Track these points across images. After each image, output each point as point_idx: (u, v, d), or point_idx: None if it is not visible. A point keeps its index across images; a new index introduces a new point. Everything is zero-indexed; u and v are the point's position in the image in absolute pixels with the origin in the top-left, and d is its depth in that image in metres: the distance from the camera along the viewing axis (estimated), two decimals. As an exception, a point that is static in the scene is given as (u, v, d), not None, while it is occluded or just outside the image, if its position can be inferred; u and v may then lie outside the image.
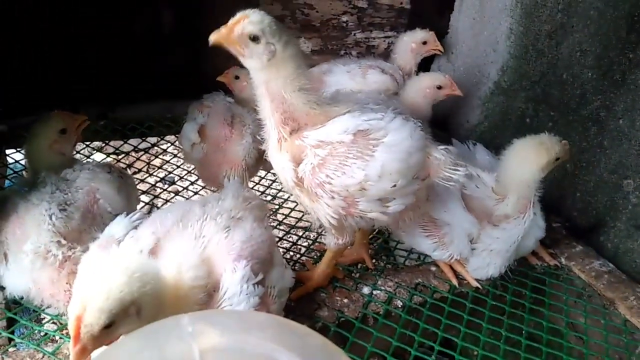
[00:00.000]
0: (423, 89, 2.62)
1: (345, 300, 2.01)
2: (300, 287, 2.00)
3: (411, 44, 2.98)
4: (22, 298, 1.82)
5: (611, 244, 2.34)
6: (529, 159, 2.04)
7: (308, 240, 2.54)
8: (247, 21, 1.55)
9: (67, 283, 1.76)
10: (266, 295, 1.55)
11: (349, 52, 3.45)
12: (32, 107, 2.11)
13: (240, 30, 1.56)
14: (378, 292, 2.07)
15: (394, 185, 1.69)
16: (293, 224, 2.72)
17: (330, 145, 1.66)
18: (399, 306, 2.03)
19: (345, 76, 2.86)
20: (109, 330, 1.20)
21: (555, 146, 2.05)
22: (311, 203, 1.76)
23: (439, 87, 2.62)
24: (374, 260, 2.28)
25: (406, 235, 2.17)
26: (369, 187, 1.67)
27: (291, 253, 2.45)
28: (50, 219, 1.76)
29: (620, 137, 2.27)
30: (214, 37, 1.57)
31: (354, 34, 3.44)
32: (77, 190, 1.88)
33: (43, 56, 2.79)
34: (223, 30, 1.57)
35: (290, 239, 2.58)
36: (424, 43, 2.99)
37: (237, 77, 2.51)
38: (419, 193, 1.84)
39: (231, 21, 1.57)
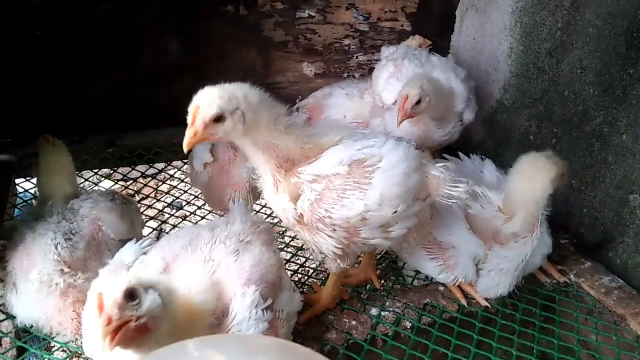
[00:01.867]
0: None
1: (354, 322, 2.01)
2: (308, 310, 2.00)
3: None
4: (31, 326, 1.84)
5: (620, 260, 2.33)
6: (538, 174, 2.03)
7: (315, 262, 2.53)
8: (201, 110, 1.50)
9: (73, 311, 1.78)
10: (275, 320, 1.55)
11: (352, 75, 3.50)
12: (39, 136, 2.15)
13: (201, 123, 1.50)
14: (386, 313, 2.06)
15: (395, 211, 1.68)
16: (300, 245, 2.72)
17: (326, 178, 1.65)
18: (408, 327, 2.02)
19: (344, 98, 2.92)
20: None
21: (560, 161, 2.05)
22: (312, 237, 1.75)
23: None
24: (382, 281, 2.27)
25: (411, 257, 2.17)
26: (369, 217, 1.66)
27: (299, 275, 2.45)
28: (56, 248, 1.79)
29: (625, 152, 2.27)
30: (185, 146, 1.54)
31: (357, 57, 3.49)
32: (82, 219, 1.92)
33: (50, 86, 2.85)
34: (188, 134, 1.51)
35: (298, 261, 2.58)
36: (419, 47, 3.08)
37: None
38: (421, 213, 1.83)
39: (189, 119, 1.52)
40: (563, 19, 2.53)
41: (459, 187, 1.79)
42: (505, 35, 2.89)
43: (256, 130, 1.59)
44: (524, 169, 2.07)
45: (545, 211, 2.08)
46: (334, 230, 1.69)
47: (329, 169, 1.66)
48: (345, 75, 3.50)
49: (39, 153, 2.07)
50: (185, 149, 1.54)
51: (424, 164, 1.81)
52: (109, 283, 1.18)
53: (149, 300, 1.19)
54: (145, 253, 1.62)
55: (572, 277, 2.32)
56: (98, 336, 1.12)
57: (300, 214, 1.68)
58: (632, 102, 2.22)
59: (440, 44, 3.35)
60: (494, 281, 2.06)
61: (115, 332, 1.12)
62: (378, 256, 2.55)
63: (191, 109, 1.51)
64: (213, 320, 1.41)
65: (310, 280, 2.38)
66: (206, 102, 1.50)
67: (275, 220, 2.89)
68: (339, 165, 1.66)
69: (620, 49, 2.26)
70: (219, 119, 1.51)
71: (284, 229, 2.84)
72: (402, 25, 3.48)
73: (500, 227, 2.07)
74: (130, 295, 1.17)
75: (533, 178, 2.03)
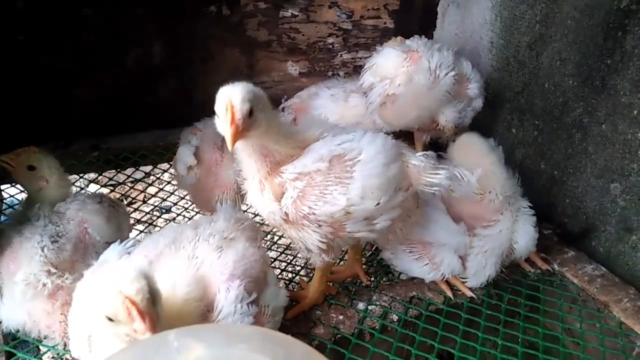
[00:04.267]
0: None
1: (341, 317, 2.02)
2: (296, 306, 2.02)
3: None
4: (18, 331, 1.84)
5: (603, 248, 2.36)
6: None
7: (303, 260, 2.55)
8: (236, 106, 1.50)
9: (61, 314, 1.78)
10: (260, 315, 1.56)
11: (337, 73, 3.51)
12: (24, 142, 2.15)
13: (240, 117, 1.51)
14: (373, 307, 2.08)
15: (378, 204, 1.70)
16: (288, 244, 2.73)
17: (308, 175, 1.67)
18: (395, 320, 2.04)
19: (329, 100, 2.94)
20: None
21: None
22: (298, 233, 1.77)
23: None
24: (371, 278, 2.30)
25: (397, 260, 2.19)
26: (353, 211, 1.68)
27: (287, 273, 2.47)
28: (42, 250, 1.79)
29: (604, 141, 2.30)
30: (231, 144, 1.52)
31: (341, 55, 3.51)
32: (69, 222, 1.92)
33: (34, 90, 2.84)
34: (231, 130, 1.50)
35: (286, 259, 2.59)
36: None
37: None
38: (405, 204, 1.85)
39: (226, 117, 1.51)
40: (542, 12, 2.56)
41: (439, 173, 1.81)
42: (486, 30, 2.93)
43: (266, 131, 1.62)
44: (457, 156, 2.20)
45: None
46: (320, 226, 1.71)
47: (310, 166, 1.68)
48: (330, 73, 3.52)
49: (35, 165, 2.04)
50: (231, 146, 1.53)
51: (404, 153, 1.83)
52: None
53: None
54: (129, 254, 1.63)
55: (555, 266, 2.35)
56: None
57: (286, 212, 1.70)
58: (610, 92, 2.25)
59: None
60: (482, 264, 2.09)
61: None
62: (368, 253, 2.58)
63: (223, 107, 1.52)
64: (197, 316, 1.42)
65: (297, 277, 2.40)
66: (238, 98, 1.52)
67: (263, 219, 2.90)
68: (319, 162, 1.68)
69: (597, 40, 2.29)
70: (251, 112, 1.54)
71: (272, 228, 2.85)
72: (385, 23, 3.51)
73: (480, 207, 2.12)
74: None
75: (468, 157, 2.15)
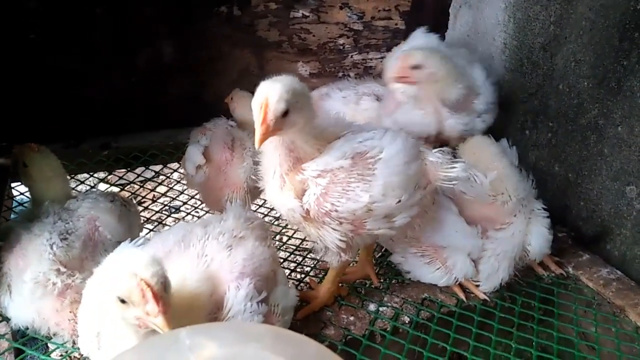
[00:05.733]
0: None
1: (352, 318, 2.00)
2: (306, 306, 2.00)
3: None
4: (27, 328, 1.83)
5: (618, 252, 2.32)
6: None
7: (313, 261, 2.53)
8: (271, 105, 1.50)
9: (70, 312, 1.77)
10: (270, 314, 1.55)
11: (347, 74, 3.50)
12: (35, 141, 2.15)
13: (273, 118, 1.51)
14: (384, 308, 2.06)
15: (399, 201, 1.71)
16: (297, 244, 2.71)
17: (331, 172, 1.67)
18: (406, 322, 2.01)
19: (340, 101, 2.92)
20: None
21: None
22: (317, 231, 1.76)
23: None
24: (380, 279, 2.27)
25: (408, 265, 2.16)
26: (375, 208, 1.68)
27: (296, 274, 2.45)
28: (51, 248, 1.78)
29: (620, 144, 2.27)
30: (259, 143, 1.54)
31: (351, 56, 3.49)
32: (79, 219, 1.91)
33: (46, 89, 2.85)
34: (261, 130, 1.51)
35: (295, 260, 2.57)
36: None
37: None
38: (424, 201, 1.85)
39: (259, 115, 1.51)
40: (556, 13, 2.53)
41: (455, 167, 1.82)
42: (498, 30, 2.90)
43: (302, 127, 1.62)
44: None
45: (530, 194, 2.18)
46: (340, 223, 1.70)
47: (332, 163, 1.68)
48: (340, 74, 3.50)
49: (27, 162, 2.06)
50: (258, 145, 1.55)
51: (422, 151, 1.84)
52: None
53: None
54: None
55: (570, 269, 2.31)
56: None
57: (307, 210, 1.69)
58: (626, 94, 2.22)
59: (434, 42, 3.35)
60: (494, 267, 2.07)
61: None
62: (377, 254, 2.55)
63: (259, 105, 1.52)
64: (208, 313, 1.40)
65: (307, 278, 2.38)
66: (275, 97, 1.51)
67: (273, 220, 2.89)
68: (342, 159, 1.68)
69: (613, 41, 2.26)
70: (285, 113, 1.53)
71: (281, 228, 2.84)
72: (396, 24, 3.49)
73: (493, 209, 2.09)
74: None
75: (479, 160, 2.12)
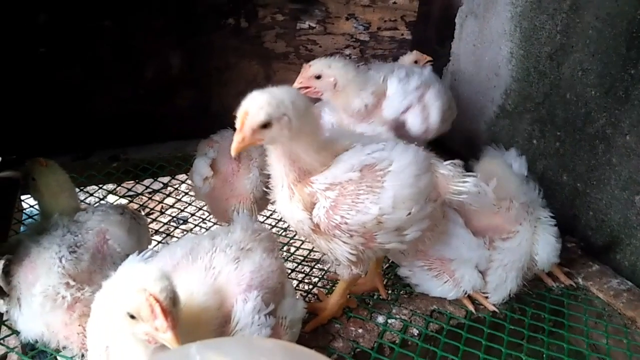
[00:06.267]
0: None
1: (360, 330, 1.99)
2: (314, 319, 1.99)
3: None
4: (36, 342, 1.83)
5: (628, 262, 2.30)
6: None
7: (321, 271, 2.52)
8: (249, 116, 1.50)
9: (79, 325, 1.78)
10: (278, 326, 1.54)
11: (354, 84, 3.50)
12: (44, 153, 2.17)
13: (249, 129, 1.51)
14: (393, 320, 2.05)
15: (409, 213, 1.69)
16: (305, 255, 2.71)
17: (339, 185, 1.66)
18: (415, 334, 2.00)
19: None
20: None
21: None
22: (328, 244, 1.75)
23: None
24: (388, 290, 2.26)
25: (415, 279, 2.16)
26: (385, 220, 1.67)
27: (304, 285, 2.44)
28: (60, 261, 1.78)
29: (629, 153, 2.26)
30: (234, 151, 1.54)
31: (358, 67, 3.50)
32: (88, 232, 1.91)
33: (54, 102, 2.88)
34: (236, 139, 1.53)
35: (303, 271, 2.57)
36: (415, 62, 3.12)
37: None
38: (434, 214, 1.84)
39: (238, 124, 1.52)
40: (562, 22, 2.53)
41: (467, 181, 1.81)
42: (505, 40, 2.90)
43: (297, 140, 1.60)
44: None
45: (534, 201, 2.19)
46: (351, 236, 1.69)
47: (341, 176, 1.67)
48: (347, 85, 3.51)
49: (35, 177, 2.08)
50: (233, 153, 1.55)
51: (433, 163, 1.83)
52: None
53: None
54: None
55: (580, 280, 2.29)
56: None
57: (317, 223, 1.68)
58: (634, 103, 2.21)
59: (440, 52, 3.36)
60: (502, 278, 2.05)
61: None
62: (385, 265, 2.54)
63: (240, 114, 1.53)
64: (216, 326, 1.40)
65: (315, 289, 2.37)
66: (255, 108, 1.51)
67: (280, 230, 2.89)
68: (350, 172, 1.67)
69: (620, 49, 2.26)
70: (266, 125, 1.52)
71: (289, 239, 2.84)
72: (402, 34, 3.50)
73: (498, 218, 2.09)
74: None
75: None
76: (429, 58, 3.24)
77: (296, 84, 2.30)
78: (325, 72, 2.29)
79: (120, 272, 1.38)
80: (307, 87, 2.32)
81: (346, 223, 1.65)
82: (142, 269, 1.26)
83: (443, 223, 2.01)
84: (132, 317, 1.19)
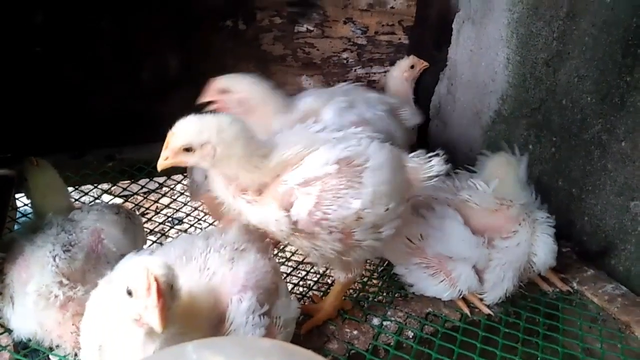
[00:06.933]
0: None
1: (355, 332, 1.99)
2: (309, 320, 1.98)
3: (403, 74, 3.16)
4: (29, 340, 1.82)
5: (622, 267, 2.31)
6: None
7: (316, 275, 2.52)
8: (173, 138, 1.57)
9: (72, 324, 1.76)
10: (272, 326, 1.54)
11: (351, 88, 3.52)
12: (40, 152, 2.16)
13: (171, 150, 1.58)
14: (388, 323, 2.04)
15: (387, 209, 1.71)
16: (301, 260, 2.70)
17: (319, 180, 1.64)
18: (410, 337, 2.00)
19: None
20: (172, 292, 1.27)
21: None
22: (310, 243, 1.72)
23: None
24: (383, 293, 2.26)
25: (411, 277, 2.16)
26: (365, 215, 1.67)
27: (300, 288, 2.44)
28: (54, 260, 1.78)
29: (624, 159, 2.27)
30: (158, 167, 1.62)
31: (355, 70, 3.51)
32: (82, 231, 1.91)
33: (50, 100, 2.86)
34: (161, 156, 1.60)
35: (299, 275, 2.57)
36: (412, 67, 3.21)
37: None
38: (405, 213, 1.86)
39: (165, 142, 1.60)
40: (559, 29, 2.55)
41: (433, 163, 1.86)
42: (501, 46, 2.92)
43: (227, 163, 1.62)
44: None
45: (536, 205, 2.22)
46: (330, 232, 1.67)
47: (318, 170, 1.65)
48: (344, 88, 3.52)
49: (27, 176, 2.08)
50: (158, 169, 1.62)
51: (403, 159, 1.87)
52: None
53: None
54: None
55: (575, 285, 2.30)
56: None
57: (295, 220, 1.65)
58: (629, 110, 2.23)
59: (437, 57, 3.38)
60: (500, 277, 2.06)
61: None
62: (380, 268, 2.54)
63: (169, 134, 1.59)
64: (210, 326, 1.40)
65: (311, 292, 2.37)
66: (180, 132, 1.58)
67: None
68: (326, 165, 1.66)
69: (616, 56, 2.28)
70: (188, 149, 1.57)
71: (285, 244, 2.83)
72: (399, 39, 3.52)
73: (497, 217, 2.11)
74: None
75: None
76: (425, 64, 3.27)
77: (202, 98, 2.29)
78: (231, 87, 2.27)
79: (123, 265, 1.40)
80: (214, 101, 2.28)
81: (327, 219, 1.64)
82: (149, 257, 1.30)
83: (409, 219, 2.04)
84: (130, 294, 1.21)
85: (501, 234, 2.10)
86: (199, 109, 3.13)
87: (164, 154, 1.59)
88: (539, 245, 2.13)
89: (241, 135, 1.62)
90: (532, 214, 2.18)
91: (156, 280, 1.19)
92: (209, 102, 2.28)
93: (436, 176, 1.86)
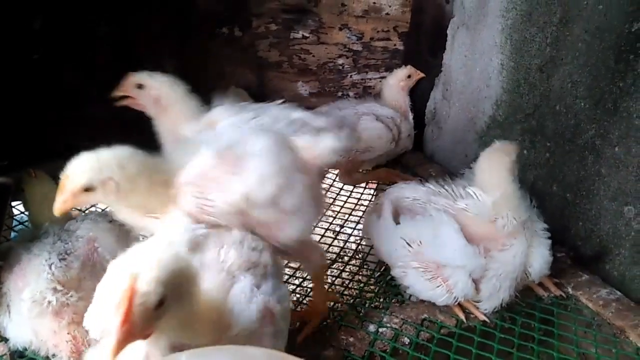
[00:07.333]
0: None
1: (351, 339, 1.99)
2: (307, 326, 1.99)
3: (399, 83, 3.19)
4: (25, 349, 1.82)
5: (617, 272, 2.32)
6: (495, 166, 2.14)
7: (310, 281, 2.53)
8: (70, 180, 1.52)
9: (68, 333, 1.77)
10: (267, 303, 1.50)
11: (346, 94, 3.54)
12: (37, 159, 2.17)
13: (70, 193, 1.52)
14: (384, 329, 2.05)
15: (276, 187, 1.67)
16: (298, 266, 2.71)
17: (200, 174, 1.65)
18: (406, 343, 2.01)
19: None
20: (156, 314, 1.04)
21: (508, 147, 2.20)
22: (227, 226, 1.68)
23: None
24: (380, 299, 2.27)
25: (408, 280, 2.16)
26: (253, 196, 1.64)
27: (297, 295, 2.44)
28: (50, 268, 1.79)
29: (617, 164, 2.29)
30: (56, 212, 1.55)
31: (351, 76, 3.54)
32: (77, 240, 1.92)
33: (47, 108, 2.87)
34: (58, 200, 1.53)
35: (295, 282, 2.57)
36: (409, 77, 3.27)
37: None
38: (309, 183, 1.82)
39: (60, 186, 1.53)
40: (552, 35, 2.57)
41: (322, 139, 1.83)
42: (496, 52, 2.94)
43: (131, 196, 1.58)
44: (483, 166, 2.17)
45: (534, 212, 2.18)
46: (227, 215, 1.64)
47: (198, 167, 1.65)
48: (339, 94, 3.54)
49: (24, 187, 2.09)
50: (56, 213, 1.55)
51: (291, 140, 1.83)
52: (145, 279, 1.04)
53: (172, 308, 1.10)
54: None
55: (569, 290, 2.31)
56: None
57: (189, 212, 1.64)
58: (622, 115, 2.24)
59: (432, 62, 3.40)
60: (496, 287, 2.06)
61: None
62: (377, 273, 2.55)
63: (62, 177, 1.53)
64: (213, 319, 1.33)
65: (308, 299, 2.37)
66: (77, 172, 1.53)
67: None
68: (207, 159, 1.66)
69: (609, 62, 2.29)
70: (88, 189, 1.52)
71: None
72: (394, 45, 3.54)
73: (494, 229, 2.09)
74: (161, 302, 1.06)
75: (492, 171, 2.14)
76: (422, 74, 3.29)
77: (116, 92, 2.25)
78: (148, 83, 2.24)
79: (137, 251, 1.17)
80: (127, 96, 2.26)
81: (214, 206, 1.62)
82: (160, 252, 1.12)
83: (435, 228, 2.06)
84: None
85: (497, 246, 2.08)
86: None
87: (62, 197, 1.52)
88: (535, 258, 2.14)
89: (143, 167, 1.59)
90: (531, 226, 2.16)
91: (131, 298, 0.98)
92: (123, 97, 2.26)
93: (333, 151, 1.83)
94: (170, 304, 1.05)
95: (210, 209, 1.63)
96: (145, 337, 1.04)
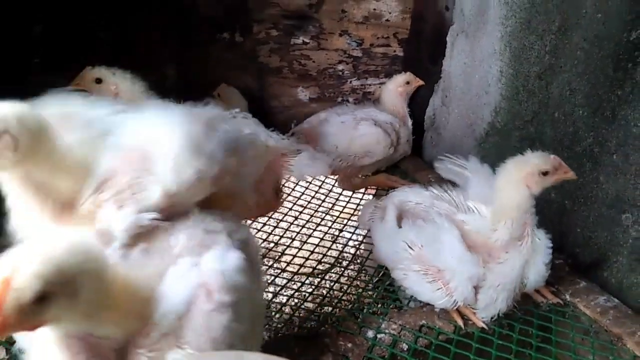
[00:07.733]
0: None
1: (350, 345, 1.99)
2: None
3: (398, 89, 3.20)
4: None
5: (615, 279, 2.33)
6: (511, 177, 2.07)
7: (311, 287, 2.53)
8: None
9: None
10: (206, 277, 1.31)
11: (346, 99, 3.55)
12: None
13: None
14: (382, 335, 2.05)
15: (198, 172, 1.42)
16: (296, 270, 2.72)
17: (110, 179, 1.38)
18: (404, 349, 2.01)
19: (340, 127, 2.98)
20: (38, 308, 0.95)
21: (536, 159, 2.06)
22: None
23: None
24: (378, 304, 2.27)
25: (408, 281, 2.17)
26: (177, 188, 1.39)
27: (295, 300, 2.44)
28: None
29: (615, 171, 2.30)
30: None
31: (350, 82, 3.55)
32: None
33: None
34: None
35: (294, 286, 2.57)
36: (407, 83, 3.28)
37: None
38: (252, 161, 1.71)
39: None
40: (551, 43, 2.58)
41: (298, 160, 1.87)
42: (495, 59, 2.95)
43: (33, 161, 1.26)
44: (500, 176, 2.11)
45: (533, 220, 2.11)
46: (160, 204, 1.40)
47: (103, 172, 1.39)
48: (339, 99, 3.56)
49: None
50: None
51: (254, 137, 1.76)
52: (23, 273, 0.94)
53: (58, 306, 0.99)
54: None
55: (567, 297, 2.31)
56: None
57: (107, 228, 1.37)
58: (620, 123, 2.26)
59: (432, 69, 3.41)
60: (493, 298, 2.06)
61: None
62: (375, 279, 2.55)
63: None
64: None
65: (306, 304, 2.38)
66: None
67: (271, 245, 2.89)
68: (111, 161, 1.40)
69: (607, 71, 2.31)
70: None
71: (280, 254, 2.84)
72: (394, 51, 3.56)
73: (492, 240, 2.08)
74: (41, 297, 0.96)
75: (508, 181, 2.08)
76: (420, 82, 3.31)
77: (73, 84, 2.16)
78: (107, 78, 2.19)
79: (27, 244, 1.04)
80: (82, 89, 2.16)
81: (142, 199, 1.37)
82: (60, 239, 1.02)
83: (437, 233, 2.07)
84: None
85: (494, 259, 2.07)
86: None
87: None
88: (532, 269, 2.11)
89: (47, 132, 1.29)
90: (529, 235, 2.11)
91: (3, 292, 0.90)
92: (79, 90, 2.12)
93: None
94: (60, 298, 0.98)
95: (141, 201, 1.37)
96: (32, 328, 0.98)
